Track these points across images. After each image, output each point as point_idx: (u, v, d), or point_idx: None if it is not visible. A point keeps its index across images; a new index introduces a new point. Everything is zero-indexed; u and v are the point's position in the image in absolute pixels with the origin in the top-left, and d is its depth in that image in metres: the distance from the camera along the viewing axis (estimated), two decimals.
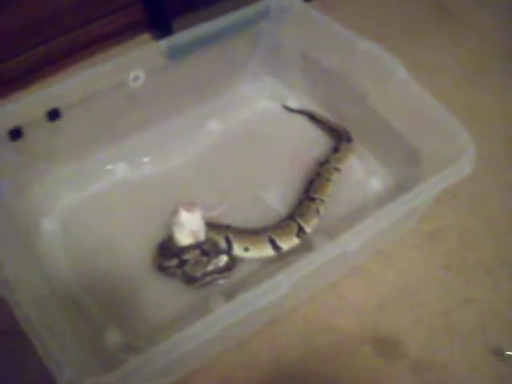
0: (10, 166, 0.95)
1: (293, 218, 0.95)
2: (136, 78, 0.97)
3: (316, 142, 1.11)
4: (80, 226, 1.00)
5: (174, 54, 1.01)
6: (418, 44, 1.32)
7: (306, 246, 0.95)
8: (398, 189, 0.98)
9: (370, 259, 0.96)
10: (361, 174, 1.05)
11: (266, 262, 0.94)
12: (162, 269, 0.90)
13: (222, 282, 0.91)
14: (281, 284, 0.73)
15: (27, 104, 0.91)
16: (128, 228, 0.99)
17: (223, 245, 0.92)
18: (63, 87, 0.93)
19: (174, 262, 0.88)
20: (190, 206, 0.89)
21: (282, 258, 0.94)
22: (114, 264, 0.95)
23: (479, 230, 1.01)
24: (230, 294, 0.88)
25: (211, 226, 0.93)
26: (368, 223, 0.79)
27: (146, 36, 1.33)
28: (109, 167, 1.06)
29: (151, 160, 1.08)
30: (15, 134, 0.91)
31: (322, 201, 0.98)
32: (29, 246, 0.93)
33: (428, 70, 1.21)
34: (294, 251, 0.94)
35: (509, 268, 0.97)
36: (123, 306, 0.90)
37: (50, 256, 0.95)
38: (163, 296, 0.91)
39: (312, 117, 1.14)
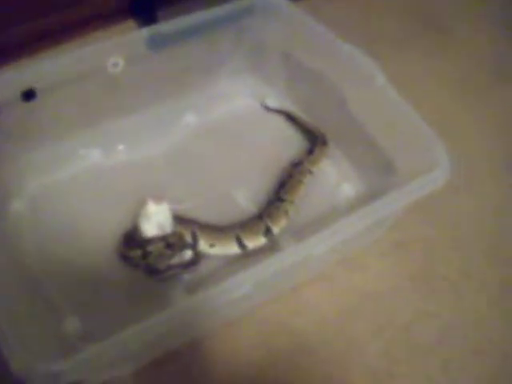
0: None
1: (261, 217, 0.95)
2: (115, 65, 0.96)
3: (291, 143, 1.11)
4: (48, 210, 0.99)
5: (156, 44, 1.01)
6: (402, 54, 1.33)
7: (272, 247, 0.94)
8: (370, 196, 0.97)
9: (335, 265, 0.96)
10: (333, 179, 1.05)
11: (231, 260, 0.93)
12: (125, 259, 0.90)
13: (185, 276, 0.90)
14: (243, 283, 0.72)
15: (2, 82, 0.90)
16: (96, 215, 0.98)
17: (189, 239, 0.91)
18: (41, 68, 0.92)
19: (138, 252, 0.87)
20: (158, 197, 0.88)
21: (248, 257, 0.93)
22: (80, 250, 0.94)
23: (447, 244, 1.02)
24: (192, 289, 0.88)
25: (178, 219, 0.92)
26: (336, 228, 0.79)
27: (130, 23, 1.32)
28: (82, 152, 1.05)
29: (125, 148, 1.08)
30: None
31: (292, 202, 0.98)
32: None
33: (410, 80, 1.20)
34: (260, 251, 0.94)
35: (472, 283, 0.97)
36: (85, 293, 0.89)
37: (15, 238, 0.94)
38: (125, 286, 0.90)
39: (289, 117, 1.14)
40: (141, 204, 0.89)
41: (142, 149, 1.07)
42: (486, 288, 0.97)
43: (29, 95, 0.91)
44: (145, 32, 0.99)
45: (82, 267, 0.92)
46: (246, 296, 0.78)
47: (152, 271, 0.88)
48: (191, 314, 0.72)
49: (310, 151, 1.05)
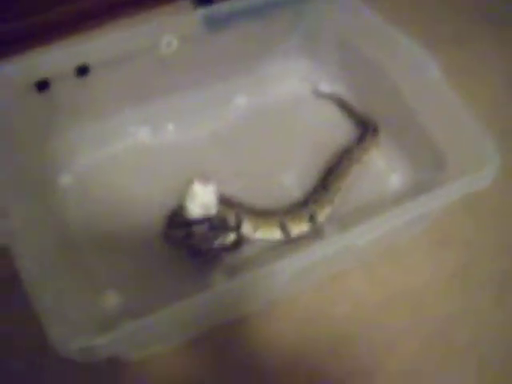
0: (35, 118, 0.95)
1: (306, 203, 0.94)
2: (169, 44, 0.96)
3: (342, 130, 1.10)
4: (96, 185, 1.00)
5: (211, 25, 1.01)
6: (461, 50, 1.29)
7: (316, 234, 0.94)
8: (417, 189, 0.95)
9: (377, 256, 0.95)
10: (382, 169, 1.04)
11: (274, 245, 0.93)
12: (168, 238, 0.90)
13: (227, 258, 0.91)
14: (283, 270, 0.72)
15: (58, 57, 0.91)
16: (142, 192, 0.99)
17: (233, 222, 0.91)
18: (95, 44, 0.93)
19: (182, 233, 0.88)
20: (205, 178, 0.88)
21: (291, 243, 0.93)
22: (125, 227, 0.95)
23: (491, 244, 0.99)
24: (233, 272, 0.89)
25: (223, 201, 0.92)
26: (381, 220, 0.77)
27: (186, 3, 1.31)
28: (131, 129, 1.06)
29: (174, 127, 1.08)
30: (42, 85, 0.91)
31: (339, 190, 0.97)
32: (42, 199, 0.93)
33: (468, 77, 1.19)
34: (303, 237, 0.93)
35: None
36: (126, 268, 0.90)
37: (62, 211, 0.96)
38: (167, 265, 0.91)
39: (341, 104, 1.12)
40: (187, 184, 0.89)
41: (191, 129, 1.08)
42: None
43: (82, 70, 0.92)
44: (200, 12, 0.99)
45: (126, 243, 0.93)
46: (286, 282, 0.78)
47: (194, 252, 0.89)
48: (230, 296, 0.73)
49: (360, 139, 1.04)
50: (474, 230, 1.01)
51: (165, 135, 1.07)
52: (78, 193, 0.99)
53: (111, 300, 0.86)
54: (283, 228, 0.91)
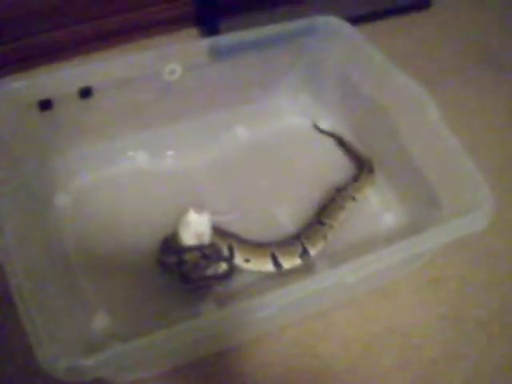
0: (35, 136, 0.96)
1: (299, 238, 0.95)
2: (173, 72, 0.98)
3: (338, 167, 1.11)
4: (92, 206, 1.01)
5: (216, 55, 1.02)
6: (457, 88, 1.31)
7: (307, 268, 0.94)
8: (411, 228, 0.97)
9: (367, 293, 0.95)
10: (376, 207, 1.05)
11: (266, 277, 0.93)
12: (161, 264, 0.91)
13: (217, 288, 0.91)
14: (271, 303, 0.72)
15: (62, 78, 0.93)
16: (138, 216, 1.00)
17: (225, 252, 0.92)
18: (100, 67, 0.95)
19: (174, 259, 0.88)
20: (200, 207, 0.89)
21: (282, 276, 0.93)
22: (118, 249, 0.96)
23: (483, 287, 0.99)
24: (223, 302, 0.89)
25: (217, 231, 0.93)
26: (372, 258, 0.78)
27: (193, 31, 1.33)
28: (130, 154, 1.07)
29: (173, 154, 1.10)
30: (45, 104, 0.93)
31: (332, 227, 0.97)
32: (37, 217, 0.93)
33: (463, 114, 1.21)
34: (294, 271, 0.93)
35: (506, 330, 0.94)
36: (118, 291, 0.91)
37: (57, 231, 0.97)
38: (158, 290, 0.91)
39: (340, 141, 1.14)
40: (182, 211, 0.89)
41: (189, 157, 1.09)
42: None
43: (85, 93, 0.94)
44: (206, 42, 1.01)
45: (119, 266, 0.94)
46: (273, 315, 0.78)
47: (185, 280, 0.89)
48: (218, 326, 0.72)
49: (356, 178, 1.05)
50: (466, 271, 1.01)
51: (163, 161, 1.09)
52: (74, 213, 1.00)
53: (101, 322, 0.86)
54: (275, 261, 0.92)
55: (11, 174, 0.88)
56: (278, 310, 0.74)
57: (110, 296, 0.90)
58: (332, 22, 1.06)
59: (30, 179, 0.94)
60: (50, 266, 0.87)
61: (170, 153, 1.09)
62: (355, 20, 1.08)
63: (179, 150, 1.10)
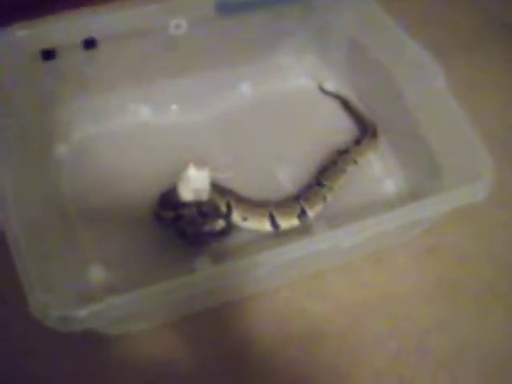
0: (38, 85, 0.96)
1: (298, 199, 0.95)
2: (178, 26, 0.97)
3: (341, 130, 1.10)
4: (92, 158, 1.01)
5: (223, 10, 1.00)
6: (470, 58, 1.29)
7: (305, 230, 0.94)
8: (411, 196, 0.97)
9: (364, 258, 0.95)
10: (377, 172, 1.04)
11: (263, 236, 0.93)
12: (158, 218, 0.91)
13: (214, 245, 0.91)
14: (266, 262, 0.73)
15: (67, 28, 0.92)
16: (137, 170, 0.99)
17: (223, 209, 0.92)
18: (106, 19, 0.94)
19: (171, 214, 0.89)
20: (200, 163, 0.88)
21: (279, 236, 0.93)
22: (117, 202, 0.95)
23: (480, 258, 0.99)
24: (218, 259, 0.89)
25: (216, 188, 0.93)
26: (369, 223, 0.78)
27: None
28: (132, 107, 1.06)
29: (176, 109, 1.09)
30: (49, 54, 0.92)
31: (331, 189, 0.97)
32: (36, 166, 0.93)
33: (477, 88, 1.19)
34: (292, 232, 0.94)
35: (499, 301, 0.94)
36: (114, 244, 0.91)
37: (55, 181, 0.96)
38: (154, 245, 0.91)
39: (345, 103, 1.12)
40: (182, 167, 0.89)
41: (192, 112, 1.08)
42: None
43: (89, 43, 0.93)
44: None
45: (117, 219, 0.94)
46: (268, 275, 0.79)
47: (182, 235, 0.89)
48: (212, 283, 0.73)
49: (358, 141, 1.04)
50: (464, 241, 1.01)
51: (166, 116, 1.08)
52: (74, 164, 1.00)
53: (96, 274, 0.87)
54: (272, 220, 0.92)
55: (11, 122, 0.87)
56: (272, 270, 0.75)
57: (106, 248, 0.90)
58: None
59: (31, 128, 0.94)
60: (47, 216, 0.88)
61: (173, 107, 1.08)
62: None
63: (183, 105, 1.09)
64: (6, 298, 0.84)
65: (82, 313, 0.65)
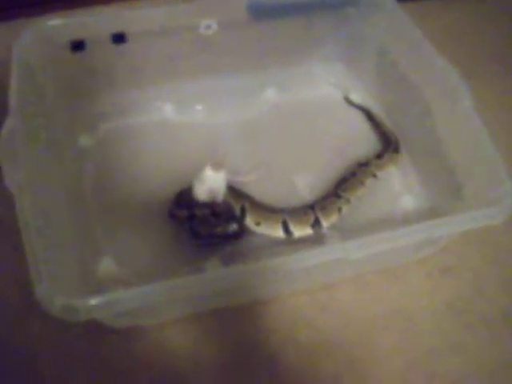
0: (66, 76, 0.97)
1: (313, 208, 0.94)
2: (208, 27, 0.97)
3: (364, 142, 1.09)
4: (114, 152, 1.02)
5: (255, 14, 1.01)
6: (503, 80, 1.27)
7: (318, 239, 0.94)
8: (429, 214, 0.96)
9: (376, 272, 0.94)
10: (397, 188, 1.03)
11: (275, 242, 0.93)
12: (172, 216, 0.91)
13: (226, 247, 0.91)
14: (275, 269, 0.73)
15: (97, 20, 0.94)
16: (157, 167, 1.00)
17: (237, 212, 0.92)
18: (137, 14, 0.95)
19: (184, 213, 0.89)
20: (218, 164, 0.89)
21: (291, 244, 0.93)
22: (134, 198, 0.96)
23: (494, 282, 0.97)
24: (228, 261, 0.89)
25: (232, 191, 0.93)
26: (381, 238, 0.77)
27: None
28: (158, 104, 1.07)
29: (202, 109, 1.09)
30: (78, 45, 0.93)
31: (348, 201, 0.96)
32: (58, 156, 0.94)
33: (507, 108, 1.18)
34: (305, 240, 0.93)
35: (510, 327, 0.93)
36: (128, 239, 0.92)
37: (76, 172, 0.98)
38: (167, 242, 0.91)
39: (369, 116, 1.12)
40: (200, 167, 0.90)
41: (216, 113, 1.09)
42: None
43: (119, 38, 0.94)
44: (246, 0, 1.00)
45: (132, 214, 0.94)
46: (277, 281, 0.79)
47: (194, 234, 0.89)
48: (219, 284, 0.72)
49: (380, 155, 1.04)
50: (479, 263, 0.99)
51: (191, 115, 1.09)
52: (96, 156, 1.01)
53: (106, 267, 0.87)
54: (286, 227, 0.91)
55: (37, 108, 0.89)
56: (282, 277, 0.74)
57: (119, 242, 0.91)
58: None
59: (57, 117, 0.96)
60: (64, 206, 0.89)
61: (198, 107, 1.09)
62: None
63: (208, 106, 1.09)
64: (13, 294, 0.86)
65: (86, 303, 0.65)
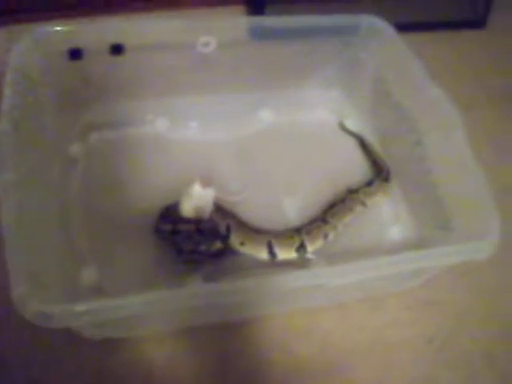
0: (61, 83, 0.97)
1: (299, 232, 0.94)
2: (206, 44, 0.98)
3: (355, 169, 1.09)
4: (104, 163, 1.02)
5: (256, 35, 1.01)
6: (495, 116, 1.27)
7: (302, 264, 0.93)
8: (416, 245, 0.96)
9: (358, 301, 0.94)
10: (385, 217, 1.03)
11: (259, 263, 0.92)
12: (157, 230, 0.91)
13: (208, 265, 0.90)
14: (250, 290, 0.72)
15: (96, 31, 0.94)
16: (145, 180, 1.00)
17: (222, 231, 0.91)
18: (136, 27, 0.96)
19: (169, 227, 0.89)
20: (206, 182, 0.88)
21: (275, 266, 0.92)
22: (120, 209, 0.96)
23: (476, 319, 0.96)
24: (209, 278, 0.88)
25: (218, 209, 0.93)
26: (363, 265, 0.76)
27: (240, 8, 1.32)
28: (150, 117, 1.07)
29: (195, 126, 1.10)
30: (75, 54, 0.93)
31: (335, 227, 0.96)
32: (47, 162, 0.94)
33: (499, 141, 1.18)
34: (289, 264, 0.93)
35: (491, 367, 0.92)
36: (111, 250, 0.91)
37: (63, 180, 0.97)
38: (150, 256, 0.91)
39: (362, 143, 1.12)
40: (189, 183, 0.90)
41: (209, 131, 1.09)
42: (505, 379, 0.91)
43: (117, 49, 0.94)
44: (246, 20, 1.02)
45: (117, 225, 0.94)
46: (255, 302, 0.78)
47: (177, 250, 0.89)
48: (197, 301, 0.71)
49: (370, 183, 1.03)
50: (464, 300, 0.98)
51: (184, 131, 1.09)
52: (85, 166, 1.01)
53: (88, 277, 0.87)
54: (270, 249, 0.91)
55: (30, 113, 0.88)
56: (259, 298, 0.74)
57: (102, 254, 0.90)
58: (376, 24, 1.04)
59: (48, 123, 0.95)
60: (50, 212, 0.89)
61: (193, 124, 1.09)
62: (405, 27, 1.05)
63: (202, 123, 1.10)
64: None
65: (60, 310, 0.65)
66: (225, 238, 0.91)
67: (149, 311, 0.71)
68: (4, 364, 0.82)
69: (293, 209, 1.01)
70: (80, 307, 0.66)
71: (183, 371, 0.84)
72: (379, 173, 1.06)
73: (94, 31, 0.93)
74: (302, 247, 0.92)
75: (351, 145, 1.13)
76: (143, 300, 0.68)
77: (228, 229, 0.91)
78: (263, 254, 0.91)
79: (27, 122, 0.86)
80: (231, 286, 0.73)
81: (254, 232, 0.92)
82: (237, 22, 1.01)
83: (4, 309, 0.81)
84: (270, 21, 1.02)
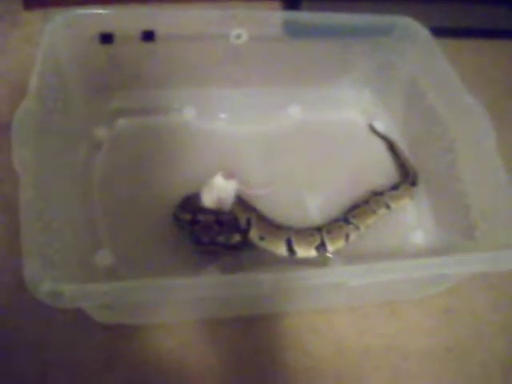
0: (92, 68, 0.97)
1: (320, 230, 0.92)
2: (238, 36, 0.97)
3: (382, 171, 1.08)
4: (129, 148, 1.02)
5: (288, 30, 1.01)
6: None
7: (321, 263, 0.92)
8: (439, 251, 0.94)
9: (376, 305, 0.92)
10: (409, 221, 1.01)
11: (277, 259, 0.91)
12: (176, 219, 0.90)
13: (226, 257, 0.89)
14: (262, 284, 0.70)
15: (128, 16, 0.94)
16: (170, 168, 1.00)
17: (242, 224, 0.90)
18: (169, 15, 0.95)
19: (188, 216, 0.88)
20: (230, 174, 0.88)
21: (294, 263, 0.91)
22: (141, 195, 0.96)
23: (496, 330, 0.94)
24: (226, 270, 0.88)
25: (240, 202, 0.92)
26: (382, 267, 0.75)
27: (276, 4, 1.32)
28: (180, 106, 1.07)
29: (223, 117, 1.09)
30: (107, 38, 0.93)
31: (358, 228, 0.94)
32: (72, 143, 0.95)
33: None
34: (308, 262, 0.91)
35: (508, 377, 0.89)
36: (128, 235, 0.91)
37: (87, 162, 0.98)
38: (167, 243, 0.91)
39: (391, 146, 1.10)
40: (213, 174, 0.90)
41: (237, 123, 1.08)
42: None
43: (148, 36, 0.94)
44: (283, 15, 1.00)
45: (137, 211, 0.94)
46: (271, 298, 0.77)
47: (196, 240, 0.88)
48: (210, 292, 0.71)
49: (396, 186, 1.02)
50: (483, 310, 0.96)
51: (212, 122, 1.08)
52: (110, 149, 1.01)
53: (103, 259, 0.87)
54: (289, 245, 0.90)
55: (57, 94, 0.88)
56: (276, 295, 0.73)
57: (119, 237, 0.90)
58: (411, 26, 1.02)
59: (75, 105, 0.96)
60: (69, 194, 0.89)
61: (222, 115, 1.09)
62: (442, 31, 1.03)
63: (231, 115, 1.09)
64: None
65: (71, 290, 0.64)
66: (244, 232, 0.90)
67: (162, 298, 0.70)
68: (17, 346, 0.82)
69: (315, 207, 0.99)
70: (92, 288, 0.66)
71: (196, 363, 0.84)
72: (406, 177, 1.04)
73: (127, 16, 0.93)
74: (322, 246, 0.91)
75: (379, 146, 1.12)
76: (157, 285, 0.68)
77: (248, 222, 0.90)
78: (282, 251, 0.90)
79: (54, 102, 0.87)
80: (248, 277, 0.72)
81: (274, 227, 0.91)
82: (271, 16, 1.00)
83: (17, 291, 0.83)
84: (304, 17, 1.02)
